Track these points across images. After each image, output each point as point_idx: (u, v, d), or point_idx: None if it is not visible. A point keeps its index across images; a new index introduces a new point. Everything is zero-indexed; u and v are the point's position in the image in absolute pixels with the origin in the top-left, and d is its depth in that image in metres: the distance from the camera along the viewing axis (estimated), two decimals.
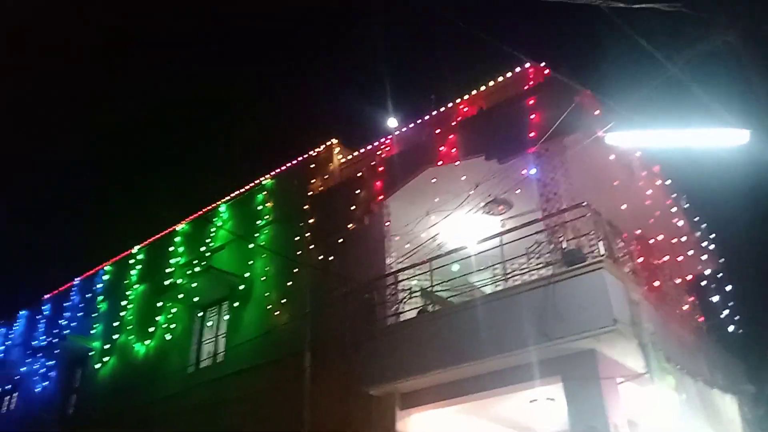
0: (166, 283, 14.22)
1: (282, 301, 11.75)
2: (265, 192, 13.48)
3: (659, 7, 6.64)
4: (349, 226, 11.10)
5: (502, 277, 8.99)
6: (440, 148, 10.10)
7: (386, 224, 10.79)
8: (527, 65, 10.12)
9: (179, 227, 15.24)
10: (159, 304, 14.34)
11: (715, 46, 7.09)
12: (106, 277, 16.96)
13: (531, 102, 9.43)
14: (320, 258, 11.43)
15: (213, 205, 14.62)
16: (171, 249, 15.01)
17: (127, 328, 15.19)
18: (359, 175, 11.57)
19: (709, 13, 6.91)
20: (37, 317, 18.56)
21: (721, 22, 6.97)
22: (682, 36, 7.18)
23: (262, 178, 13.75)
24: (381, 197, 10.81)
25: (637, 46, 7.08)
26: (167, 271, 14.76)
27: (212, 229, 14.23)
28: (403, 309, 10.00)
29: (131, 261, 16.16)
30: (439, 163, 10.03)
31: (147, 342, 14.41)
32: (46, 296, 18.92)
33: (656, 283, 10.17)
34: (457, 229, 11.05)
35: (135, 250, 16.25)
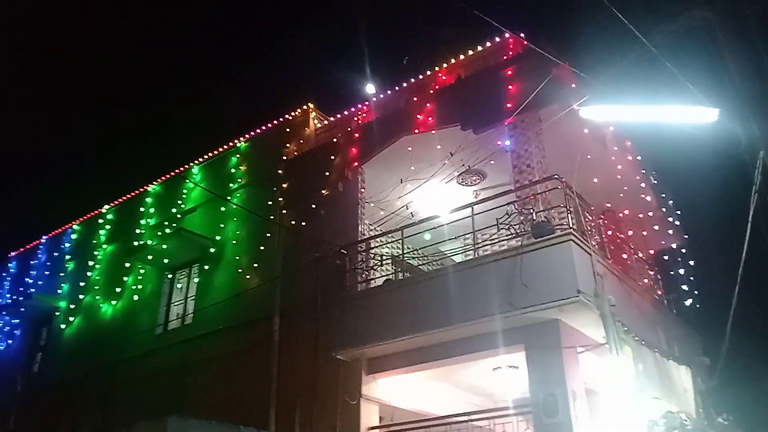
0: (136, 243, 14.06)
1: (253, 265, 11.72)
2: (239, 155, 13.33)
3: None
4: (323, 191, 11.07)
5: (472, 247, 9.06)
6: (417, 116, 10.06)
7: (360, 191, 10.77)
8: (507, 35, 10.07)
9: (150, 188, 15.02)
10: (127, 265, 14.21)
11: (692, 22, 7.12)
12: (74, 236, 16.70)
13: (509, 72, 9.41)
14: (293, 223, 11.40)
15: (186, 167, 14.42)
16: (142, 210, 14.82)
17: (95, 288, 15.05)
18: (335, 140, 11.49)
19: None
20: (3, 274, 18.27)
21: None
22: (662, 10, 7.20)
23: (236, 141, 13.57)
24: (356, 164, 10.76)
25: (615, 19, 7.07)
26: (137, 231, 14.59)
27: (184, 191, 14.05)
28: (374, 276, 10.07)
29: (100, 221, 15.93)
30: (416, 131, 9.99)
31: (114, 302, 14.30)
32: (12, 254, 18.60)
33: (623, 256, 10.38)
34: (430, 198, 11.09)
35: (105, 209, 16.01)
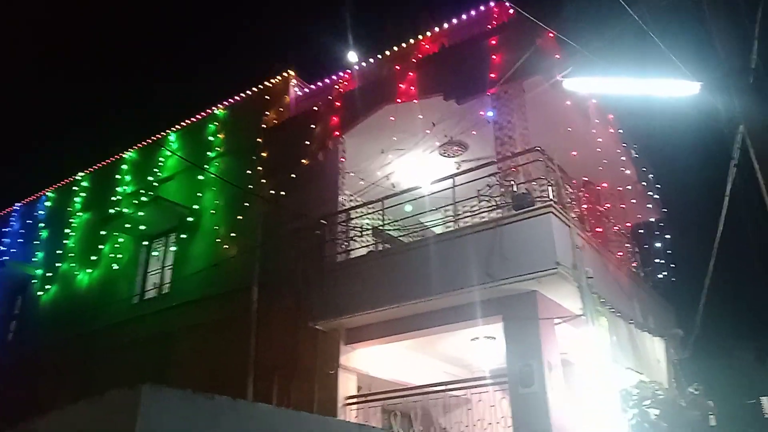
0: (112, 211, 13.83)
1: (231, 235, 11.58)
2: (218, 122, 13.07)
3: None
4: (303, 161, 10.91)
5: (453, 219, 9.03)
6: (399, 85, 9.91)
7: (341, 161, 10.64)
8: (492, 4, 9.91)
9: (127, 155, 14.72)
10: (104, 233, 13.98)
11: None
12: (48, 204, 16.36)
13: (493, 42, 9.28)
14: (272, 193, 11.25)
15: (163, 134, 14.13)
16: (118, 177, 14.54)
17: (70, 256, 14.81)
18: (315, 109, 11.29)
19: None
20: None
21: None
22: None
23: (214, 108, 13.29)
24: (337, 133, 10.61)
25: None
26: (113, 199, 14.34)
27: (161, 158, 13.79)
28: (354, 247, 10.02)
29: (75, 188, 15.61)
30: (398, 100, 9.85)
31: (90, 271, 14.11)
32: None
33: (599, 229, 10.45)
34: (411, 169, 11.01)
35: (79, 176, 15.68)
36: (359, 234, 10.29)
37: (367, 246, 10.56)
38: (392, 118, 10.12)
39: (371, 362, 9.46)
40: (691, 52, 7.08)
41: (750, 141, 6.51)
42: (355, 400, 9.05)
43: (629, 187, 12.12)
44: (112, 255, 13.76)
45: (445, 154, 10.88)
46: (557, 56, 8.68)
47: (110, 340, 12.59)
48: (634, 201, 12.29)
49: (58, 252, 15.12)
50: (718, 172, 7.73)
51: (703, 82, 6.66)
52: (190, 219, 12.44)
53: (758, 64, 6.56)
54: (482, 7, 10.21)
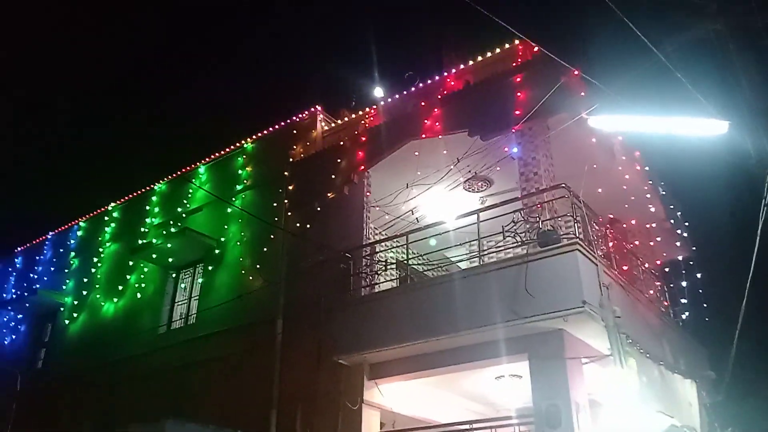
0: (140, 242, 14.09)
1: (257, 267, 11.71)
2: (245, 156, 13.33)
3: None
4: (328, 194, 11.04)
5: (477, 254, 9.00)
6: (424, 121, 10.03)
7: (366, 195, 10.74)
8: (516, 42, 10.02)
9: (156, 187, 15.05)
10: (131, 263, 14.23)
11: (703, 34, 7.07)
12: (80, 233, 16.74)
13: (518, 79, 9.35)
14: (297, 225, 11.38)
15: (192, 166, 14.44)
16: (147, 208, 14.85)
17: (98, 285, 15.07)
18: (342, 143, 11.47)
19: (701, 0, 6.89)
20: (8, 269, 18.34)
21: (712, 10, 6.96)
22: (673, 22, 7.15)
23: (242, 142, 13.58)
24: (362, 167, 10.74)
25: (626, 29, 7.02)
26: (142, 230, 14.62)
27: (189, 190, 14.07)
28: (378, 281, 10.03)
29: (106, 218, 15.96)
30: (423, 136, 9.96)
31: (116, 300, 14.32)
32: (18, 249, 18.66)
33: (626, 267, 10.30)
34: (436, 204, 11.05)
35: (110, 207, 16.05)
36: (384, 268, 10.31)
37: (391, 280, 10.57)
38: (417, 153, 10.21)
39: (395, 398, 9.36)
40: (718, 91, 7.06)
41: None
42: None
43: (655, 225, 11.95)
44: (139, 285, 13.97)
45: (470, 190, 10.90)
46: (582, 94, 8.71)
47: (136, 369, 12.73)
48: (659, 239, 12.10)
49: (86, 281, 15.41)
50: (748, 211, 7.62)
51: (731, 122, 6.63)
52: (216, 250, 12.61)
53: None
54: (507, 45, 10.33)
